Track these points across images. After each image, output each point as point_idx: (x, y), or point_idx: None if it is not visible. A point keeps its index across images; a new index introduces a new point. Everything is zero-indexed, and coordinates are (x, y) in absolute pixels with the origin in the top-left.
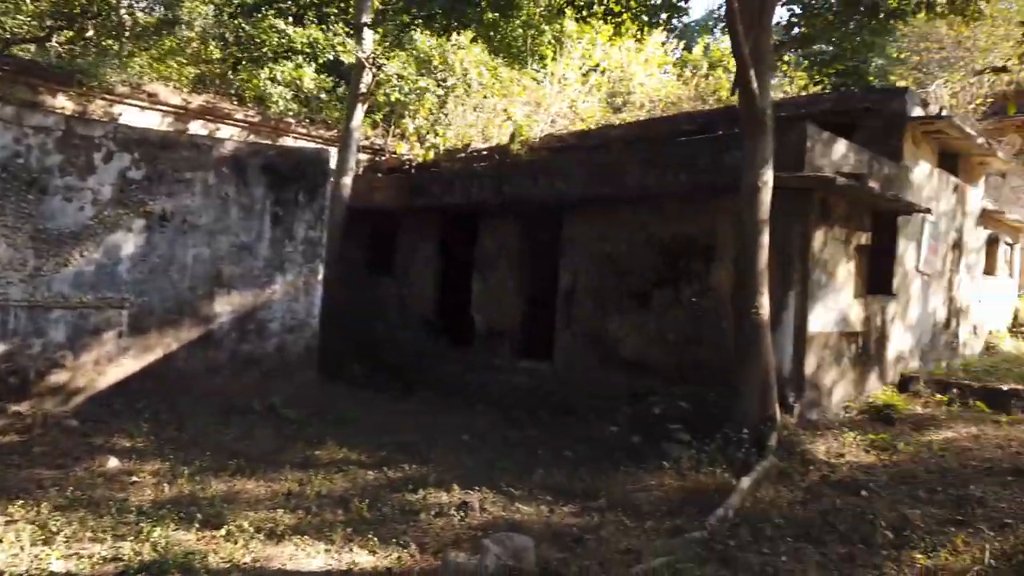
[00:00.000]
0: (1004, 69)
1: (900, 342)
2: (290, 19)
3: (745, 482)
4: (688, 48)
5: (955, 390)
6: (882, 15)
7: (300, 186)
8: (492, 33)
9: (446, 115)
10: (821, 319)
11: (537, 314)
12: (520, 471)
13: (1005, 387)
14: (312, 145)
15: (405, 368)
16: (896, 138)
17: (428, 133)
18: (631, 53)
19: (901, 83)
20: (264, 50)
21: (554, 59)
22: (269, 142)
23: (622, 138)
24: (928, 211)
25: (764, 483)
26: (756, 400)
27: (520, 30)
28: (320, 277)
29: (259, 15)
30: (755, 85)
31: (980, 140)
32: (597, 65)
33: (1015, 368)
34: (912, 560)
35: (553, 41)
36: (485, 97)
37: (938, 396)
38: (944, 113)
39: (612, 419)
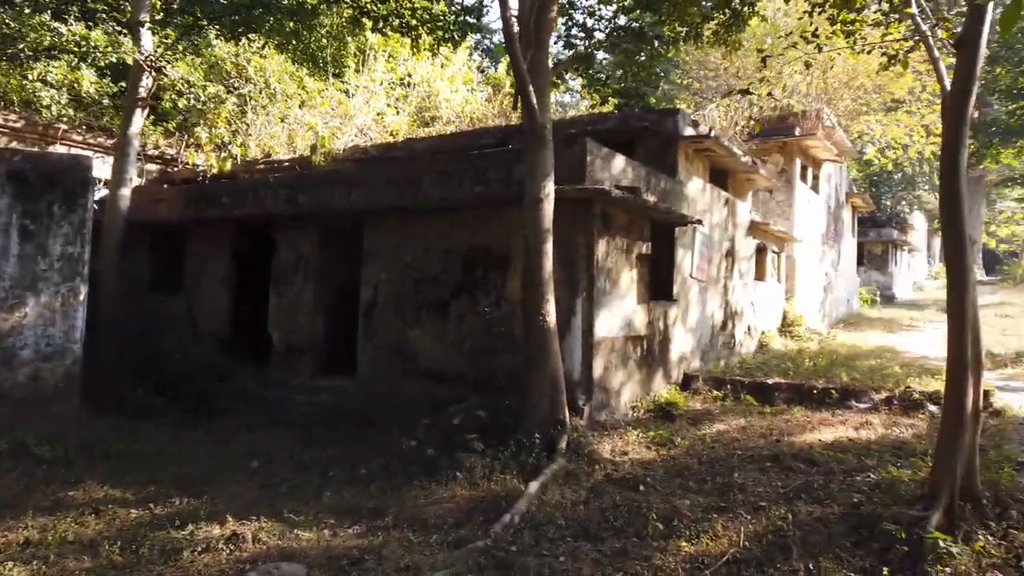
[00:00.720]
0: (747, 92)
1: (682, 344)
2: (49, 14)
3: (533, 486)
4: (496, 66)
5: (729, 386)
6: (655, 41)
7: (55, 197)
8: (294, 42)
9: (247, 125)
10: (608, 324)
11: (339, 328)
12: (309, 494)
13: (771, 381)
14: (86, 153)
15: (197, 390)
16: (671, 155)
17: (228, 143)
18: (437, 69)
19: (683, 106)
20: (21, 47)
21: (358, 71)
22: (36, 149)
23: (426, 151)
24: (700, 222)
25: (552, 486)
26: (546, 405)
27: (323, 40)
28: (83, 297)
29: (13, 5)
30: (534, 100)
31: (745, 158)
32: (403, 79)
33: (782, 364)
34: (678, 548)
35: (358, 53)
36: (288, 107)
37: (715, 392)
38: (712, 133)
39: (413, 432)
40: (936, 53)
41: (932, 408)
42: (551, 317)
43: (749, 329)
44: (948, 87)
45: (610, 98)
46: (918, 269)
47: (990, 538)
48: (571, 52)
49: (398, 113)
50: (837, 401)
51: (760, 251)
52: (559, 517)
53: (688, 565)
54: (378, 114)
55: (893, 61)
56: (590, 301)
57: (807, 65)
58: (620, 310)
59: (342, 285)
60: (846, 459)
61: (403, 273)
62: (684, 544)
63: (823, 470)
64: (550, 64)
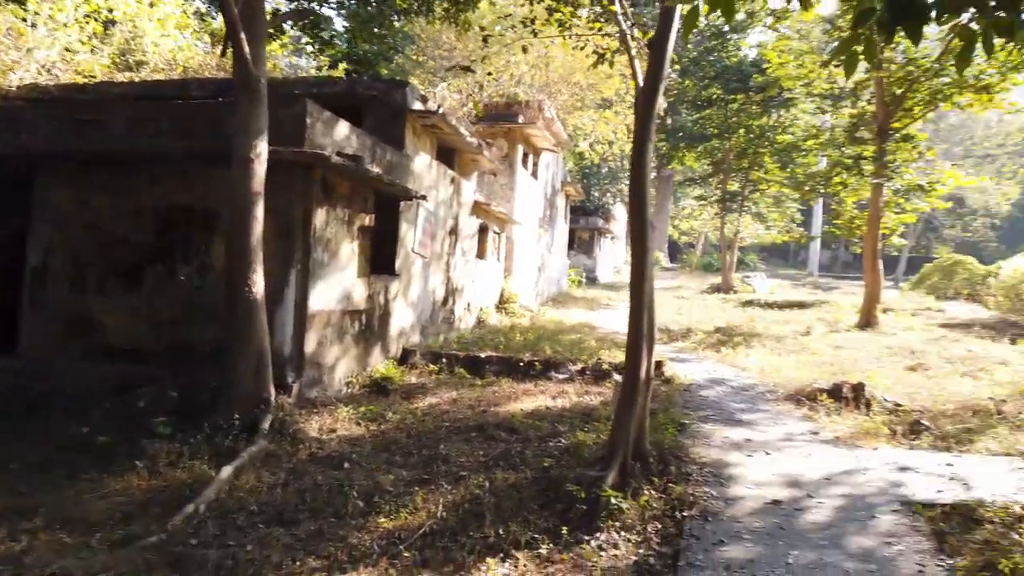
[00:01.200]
0: (468, 69)
1: (403, 318)
2: None
3: (226, 471)
4: (219, 17)
5: (445, 360)
6: (382, 6)
7: None
8: None
9: None
10: (324, 297)
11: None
12: None
13: (483, 355)
14: None
15: None
16: (399, 128)
17: None
18: (144, 7)
19: (416, 82)
20: None
21: None
22: None
23: (123, 96)
24: (424, 197)
25: (248, 469)
26: (250, 382)
27: None
28: None
29: None
30: (247, 50)
31: (471, 139)
32: (97, 11)
33: (496, 338)
34: (376, 525)
35: None
36: None
37: (431, 366)
38: (441, 110)
39: (89, 417)
40: (633, 53)
41: (617, 377)
42: (259, 287)
43: (469, 305)
44: (641, 84)
45: (341, 64)
46: (618, 255)
47: (653, 492)
48: (293, 3)
49: (93, 52)
50: (540, 372)
51: (482, 230)
52: (252, 503)
53: (384, 541)
54: (67, 50)
55: (602, 60)
56: (305, 272)
57: (524, 49)
58: (339, 283)
59: (3, 245)
60: (543, 426)
61: (86, 233)
62: (383, 520)
63: (522, 437)
64: (267, 13)
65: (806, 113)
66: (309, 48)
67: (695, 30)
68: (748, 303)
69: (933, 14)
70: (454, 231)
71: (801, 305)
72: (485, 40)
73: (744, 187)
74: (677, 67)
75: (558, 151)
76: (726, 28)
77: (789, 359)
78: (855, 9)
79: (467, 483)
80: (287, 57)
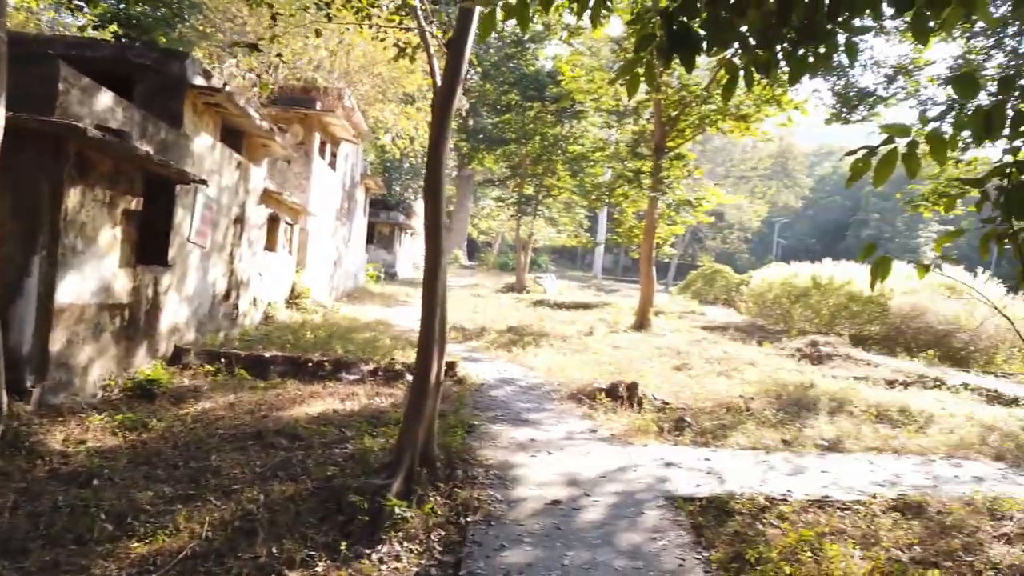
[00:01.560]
0: (254, 47)
1: (176, 314)
2: None
3: None
4: None
5: (224, 360)
6: None
7: None
8: None
9: None
10: (76, 289)
11: None
12: None
13: (268, 354)
14: None
15: None
16: (177, 104)
17: None
18: None
19: (202, 56)
20: None
21: None
22: None
23: None
24: (204, 182)
25: None
26: None
27: None
28: None
29: None
30: None
31: (260, 122)
32: None
33: (284, 336)
34: (128, 551)
35: None
36: None
37: (207, 367)
38: (226, 88)
39: None
40: (432, 50)
41: (409, 378)
42: None
43: (255, 300)
44: (439, 83)
45: (110, 26)
46: (418, 250)
47: (439, 499)
48: None
49: None
50: (330, 373)
51: (273, 221)
52: None
53: (136, 569)
54: None
55: (403, 54)
56: (53, 260)
57: (318, 33)
58: (96, 273)
59: None
60: (328, 431)
61: None
62: (136, 544)
63: (305, 444)
64: None
65: (595, 126)
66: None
67: (496, 36)
68: (539, 303)
69: (705, 46)
70: (240, 220)
71: (586, 306)
72: (274, 18)
73: (538, 192)
74: (479, 70)
75: (358, 142)
76: (525, 37)
77: (573, 359)
78: (638, 34)
79: (239, 497)
80: (47, 12)
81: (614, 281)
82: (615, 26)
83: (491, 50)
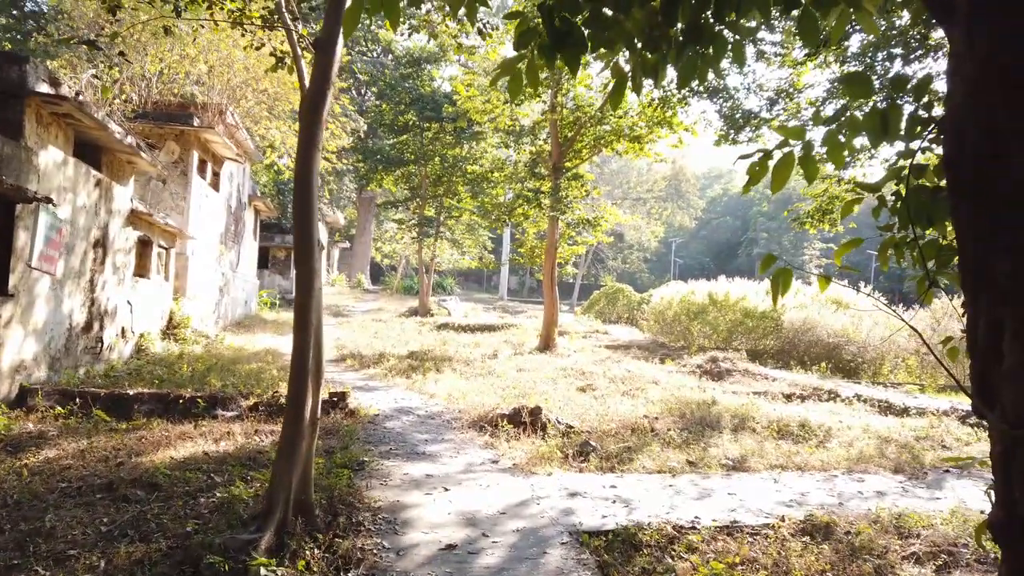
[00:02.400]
0: (93, 43)
1: (21, 350)
2: None
3: None
4: None
5: (79, 400)
6: None
7: None
8: None
9: None
10: None
11: None
12: None
13: (132, 392)
14: None
15: None
16: (15, 113)
17: None
18: None
19: (60, 65)
20: None
21: None
22: None
23: None
24: (49, 200)
25: None
26: None
27: None
28: None
29: None
30: None
31: (126, 137)
32: None
33: (157, 370)
34: None
35: None
36: None
37: (59, 408)
38: (79, 97)
39: None
40: (299, 51)
41: None
42: None
43: (123, 331)
44: (307, 86)
45: None
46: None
47: (317, 552)
48: None
49: None
50: (204, 411)
51: (144, 244)
52: None
53: None
54: None
55: (281, 63)
56: None
57: (166, 31)
58: None
59: None
60: (195, 478)
61: None
62: None
63: (164, 495)
64: None
65: (493, 147)
66: None
67: (392, 57)
68: (443, 326)
69: (590, 46)
70: (102, 244)
71: (491, 328)
72: (113, 11)
73: (440, 213)
74: (374, 90)
75: (244, 162)
76: (419, 57)
77: (476, 383)
78: (517, 29)
79: (74, 566)
80: None
81: (520, 302)
82: (509, 49)
83: (387, 70)
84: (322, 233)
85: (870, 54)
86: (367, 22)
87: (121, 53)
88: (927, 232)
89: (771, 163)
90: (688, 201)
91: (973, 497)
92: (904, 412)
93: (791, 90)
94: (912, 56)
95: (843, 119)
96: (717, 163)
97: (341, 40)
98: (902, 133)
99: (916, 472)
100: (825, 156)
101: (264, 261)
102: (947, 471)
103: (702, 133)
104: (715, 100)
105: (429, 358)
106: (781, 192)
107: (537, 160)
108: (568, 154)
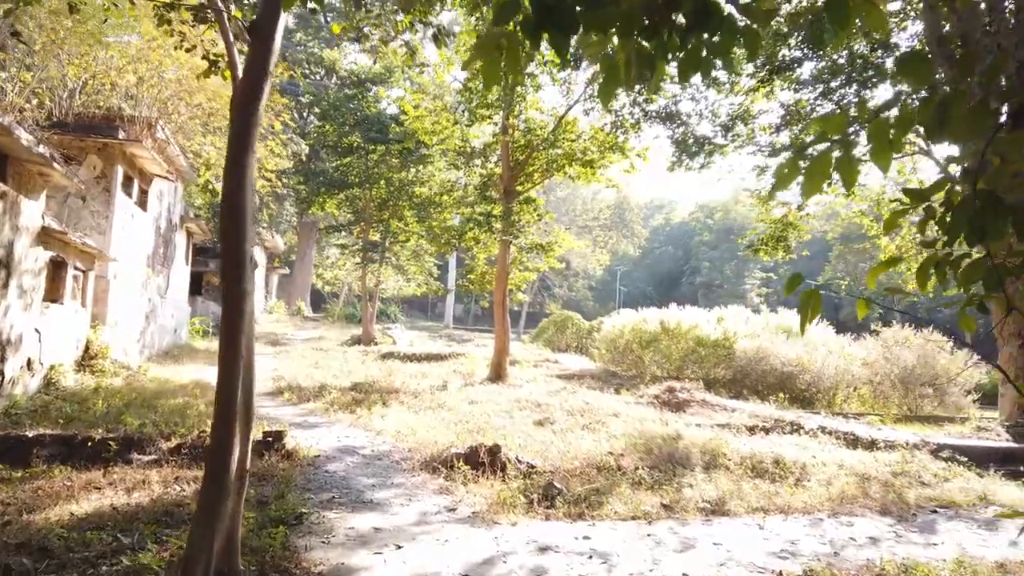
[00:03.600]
0: (17, 35)
1: None
2: None
3: None
4: None
5: None
6: None
7: None
8: None
9: None
10: None
11: None
12: None
13: (31, 434)
14: None
15: None
16: None
17: None
18: None
19: None
20: None
21: None
22: None
23: None
24: None
25: None
26: None
27: None
28: None
29: None
30: None
31: (28, 142)
32: None
33: (67, 407)
34: None
35: None
36: None
37: None
38: None
39: None
40: (232, 39)
41: None
42: None
43: (29, 363)
44: (240, 76)
45: None
46: (256, 303)
47: None
48: None
49: None
50: (116, 455)
51: (57, 266)
52: None
53: None
54: None
55: (215, 67)
56: None
57: (72, 8)
58: None
59: None
60: (98, 540)
61: None
62: None
63: (58, 563)
64: None
65: (441, 170)
66: None
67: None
68: (388, 355)
69: (581, 27)
70: (4, 264)
71: (439, 357)
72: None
73: (385, 238)
74: (317, 111)
75: (175, 180)
76: (364, 77)
77: (426, 417)
78: (497, 2)
79: None
80: None
81: (466, 331)
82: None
83: (330, 91)
84: (259, 255)
85: (825, 78)
86: (309, 41)
87: (15, 34)
88: (971, 250)
89: (803, 164)
90: (632, 230)
91: (971, 542)
92: (872, 445)
93: (745, 115)
94: (868, 82)
95: (887, 114)
96: (659, 194)
97: (281, 24)
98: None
99: (904, 513)
100: (868, 156)
101: (197, 287)
102: (935, 511)
103: (650, 161)
104: (668, 126)
105: (374, 390)
106: (722, 221)
107: (488, 183)
108: (520, 177)
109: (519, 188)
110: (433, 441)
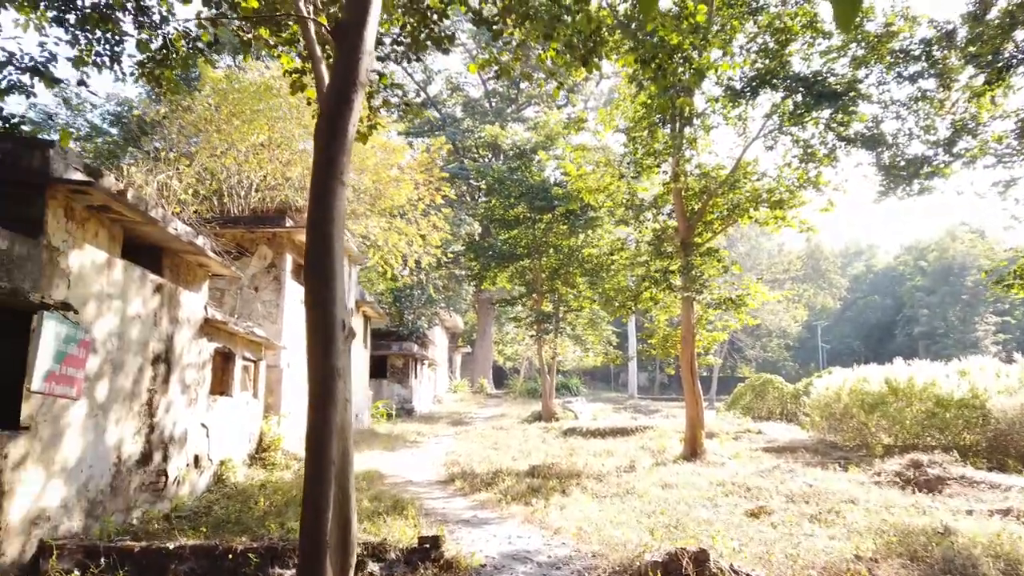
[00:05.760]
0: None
1: (42, 495)
2: None
3: None
4: None
5: (105, 560)
6: None
7: None
8: None
9: None
10: None
11: None
12: None
13: (172, 546)
14: None
15: None
16: (35, 206)
17: None
18: None
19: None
20: None
21: None
22: None
23: None
24: (69, 308)
25: None
26: None
27: None
28: None
29: None
30: None
31: (184, 234)
32: None
33: (231, 506)
34: None
35: None
36: None
37: (76, 574)
38: (115, 187)
39: None
40: (317, 49)
41: (375, 568)
42: None
43: (197, 460)
44: (327, 81)
45: None
46: (440, 382)
47: None
48: None
49: None
50: (257, 568)
51: (225, 357)
52: None
53: None
54: None
55: (298, 83)
56: None
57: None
58: None
59: None
60: None
61: None
62: None
63: None
64: None
65: (609, 233)
66: None
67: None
68: (570, 432)
69: None
70: (164, 358)
71: (624, 432)
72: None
73: (558, 307)
74: (483, 186)
75: (346, 265)
76: (525, 148)
77: (612, 508)
78: None
79: None
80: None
81: (652, 400)
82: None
83: (495, 165)
84: (440, 335)
85: None
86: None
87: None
88: None
89: None
90: (830, 280)
91: None
92: None
93: (971, 124)
94: None
95: None
96: (855, 239)
97: (372, 24)
98: None
99: None
100: None
101: (382, 370)
102: None
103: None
104: (871, 151)
105: (553, 474)
106: (938, 263)
107: (662, 237)
108: (697, 228)
109: (697, 240)
110: (621, 542)
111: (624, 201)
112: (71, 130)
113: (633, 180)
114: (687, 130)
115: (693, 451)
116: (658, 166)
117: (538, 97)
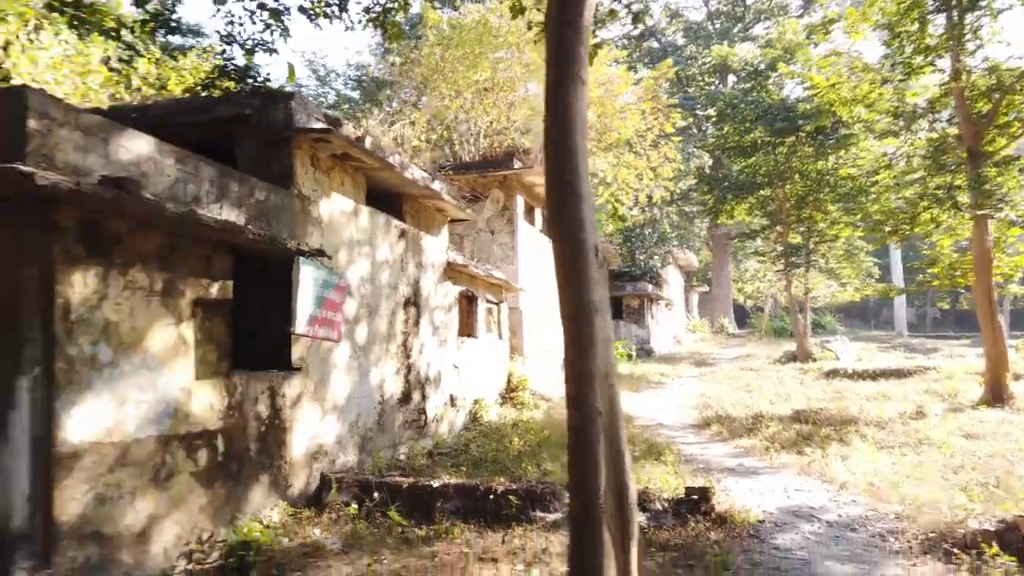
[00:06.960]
0: None
1: (318, 432)
2: None
3: None
4: None
5: (377, 493)
6: None
7: None
8: None
9: None
10: (103, 420)
11: None
12: None
13: (436, 484)
14: None
15: None
16: (283, 157)
17: None
18: None
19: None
20: None
21: None
22: None
23: None
24: (321, 253)
25: None
26: None
27: None
28: None
29: None
30: None
31: (417, 179)
32: None
33: (486, 445)
34: None
35: None
36: None
37: (353, 507)
38: (354, 134)
39: None
40: None
41: (640, 518)
42: None
43: (452, 399)
44: None
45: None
46: (677, 322)
47: None
48: None
49: None
50: (517, 511)
51: (468, 300)
52: None
53: None
54: None
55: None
56: (50, 380)
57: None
58: (146, 392)
59: None
60: None
61: None
62: None
63: None
64: None
65: (867, 151)
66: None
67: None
68: (832, 374)
69: None
70: (413, 302)
71: (900, 374)
72: None
73: (808, 239)
74: (712, 113)
75: None
76: (759, 67)
77: (905, 462)
78: None
79: None
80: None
81: (926, 338)
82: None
83: (726, 88)
84: (674, 274)
85: None
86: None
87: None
88: None
89: None
90: None
91: None
92: None
93: None
94: None
95: None
96: None
97: None
98: None
99: None
100: None
101: (617, 311)
102: None
103: None
104: None
105: (823, 420)
106: None
107: (941, 148)
108: (988, 133)
109: (988, 148)
110: (928, 500)
111: (889, 109)
112: (320, 100)
113: (900, 84)
114: (968, 17)
115: (997, 395)
116: (931, 64)
117: (768, 12)
